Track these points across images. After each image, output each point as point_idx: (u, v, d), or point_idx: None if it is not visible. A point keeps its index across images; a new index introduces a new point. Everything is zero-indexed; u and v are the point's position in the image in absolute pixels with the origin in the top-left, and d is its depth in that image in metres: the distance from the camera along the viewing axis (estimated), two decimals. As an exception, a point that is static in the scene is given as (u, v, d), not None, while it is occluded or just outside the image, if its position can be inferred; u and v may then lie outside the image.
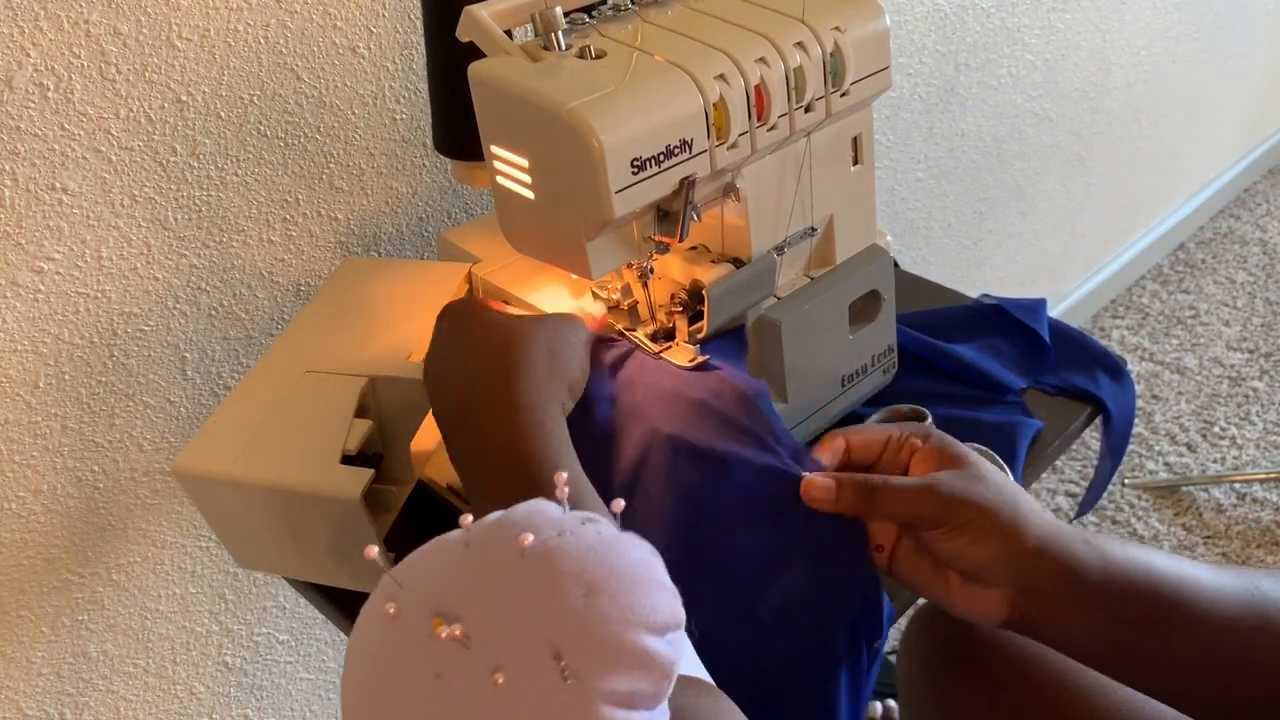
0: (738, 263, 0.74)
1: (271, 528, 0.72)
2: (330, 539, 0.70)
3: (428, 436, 0.76)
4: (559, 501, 0.43)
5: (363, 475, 0.66)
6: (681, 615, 0.42)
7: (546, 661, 0.38)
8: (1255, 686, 0.58)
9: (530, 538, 0.41)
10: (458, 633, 0.39)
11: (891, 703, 1.27)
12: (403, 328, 0.77)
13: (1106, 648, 0.61)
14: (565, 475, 0.44)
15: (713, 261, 0.74)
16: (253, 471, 0.69)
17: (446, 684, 0.39)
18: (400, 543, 0.69)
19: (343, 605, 0.76)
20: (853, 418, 0.85)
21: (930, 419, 0.82)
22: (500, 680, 0.38)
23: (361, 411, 0.72)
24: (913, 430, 0.65)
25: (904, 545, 0.65)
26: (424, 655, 0.40)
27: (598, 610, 0.39)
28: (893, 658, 0.92)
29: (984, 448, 0.78)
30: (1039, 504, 0.63)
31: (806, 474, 0.64)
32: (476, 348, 0.66)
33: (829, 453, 0.66)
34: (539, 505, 0.43)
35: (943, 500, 0.60)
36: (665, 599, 0.41)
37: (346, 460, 0.68)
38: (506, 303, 0.80)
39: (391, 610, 0.41)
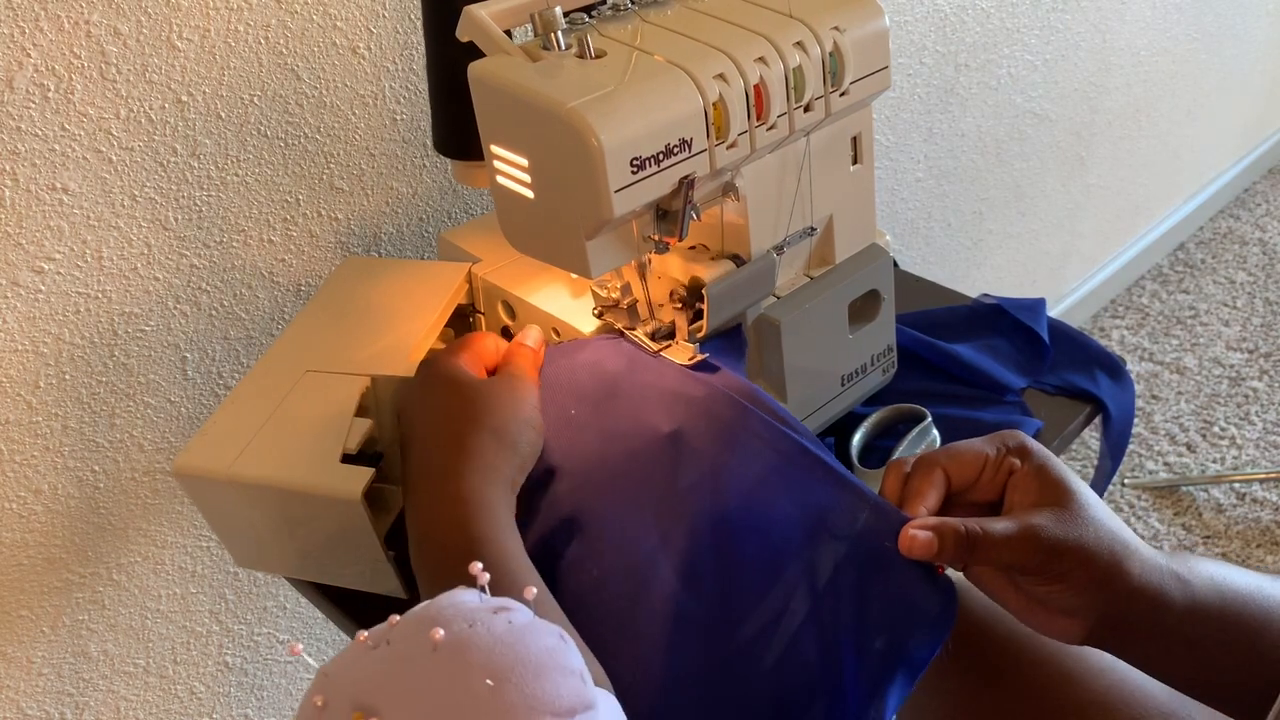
0: (737, 260, 0.74)
1: (271, 527, 0.72)
2: (330, 538, 0.70)
3: None
4: (480, 588, 0.47)
5: (363, 474, 0.66)
6: (589, 697, 0.44)
7: None
8: None
9: (441, 632, 0.44)
10: None
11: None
12: (403, 327, 0.77)
13: (1175, 664, 0.61)
14: (480, 565, 0.47)
15: (712, 259, 0.74)
16: (252, 471, 0.69)
17: None
18: (400, 542, 0.70)
19: (343, 605, 0.76)
20: (852, 417, 0.85)
21: (930, 418, 0.82)
22: None
23: (362, 411, 0.72)
24: (1010, 446, 0.63)
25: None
26: None
27: (503, 699, 0.42)
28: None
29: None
30: (1133, 534, 0.61)
31: (907, 525, 0.62)
32: (433, 418, 0.67)
33: (928, 483, 0.64)
34: (456, 596, 0.47)
35: (1042, 549, 0.59)
36: (571, 684, 0.44)
37: (347, 459, 0.68)
38: (507, 304, 0.81)
39: (319, 702, 0.44)
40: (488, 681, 0.42)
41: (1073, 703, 0.70)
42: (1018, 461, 0.63)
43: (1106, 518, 0.61)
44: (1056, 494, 0.61)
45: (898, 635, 0.62)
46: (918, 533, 0.61)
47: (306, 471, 0.68)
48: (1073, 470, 0.63)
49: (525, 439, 0.66)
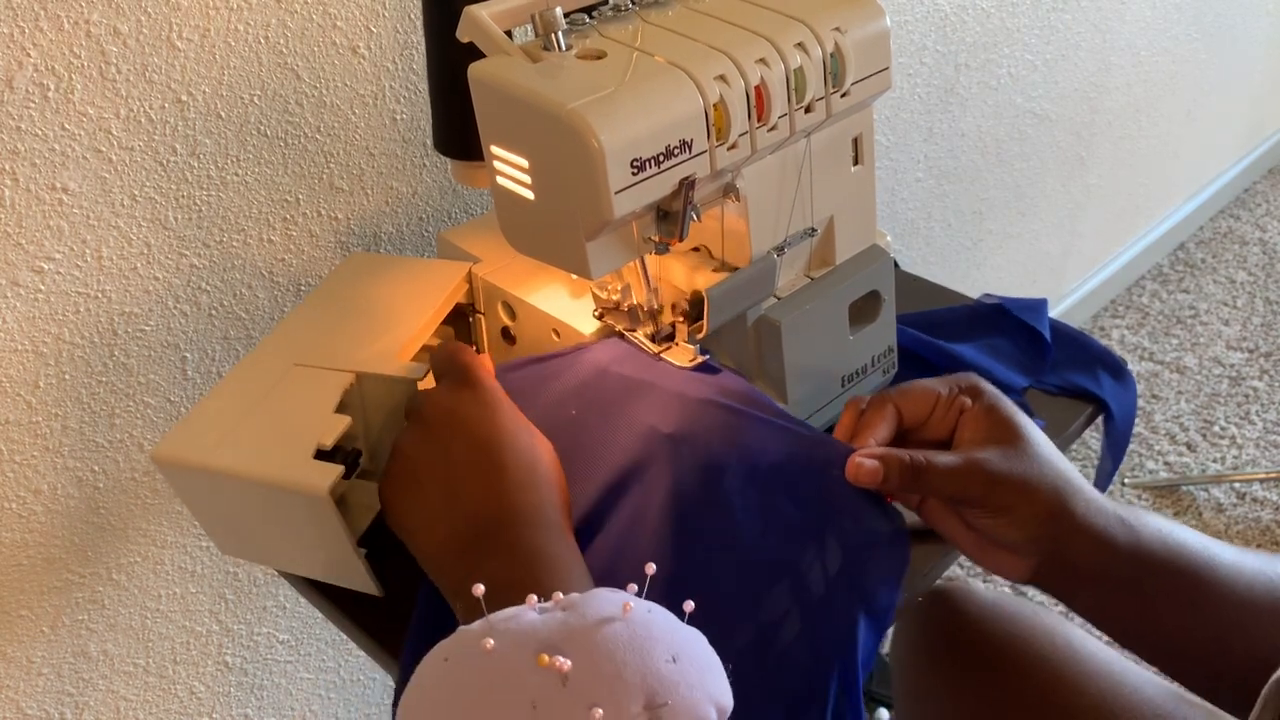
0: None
1: (248, 518, 0.72)
2: (301, 532, 0.70)
3: None
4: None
5: (332, 471, 0.66)
6: (730, 701, 0.46)
7: (639, 709, 0.42)
8: (1261, 667, 0.59)
9: (631, 603, 0.46)
10: (565, 666, 0.43)
11: (885, 714, 1.27)
12: (396, 325, 0.77)
13: (1120, 614, 0.62)
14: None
15: (714, 270, 0.74)
16: (227, 461, 0.69)
17: (541, 714, 0.42)
18: (377, 539, 0.70)
19: (343, 605, 0.76)
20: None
21: None
22: (598, 716, 0.42)
23: (346, 408, 0.72)
24: (962, 386, 0.65)
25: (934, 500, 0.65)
26: (523, 686, 0.43)
27: (684, 676, 0.44)
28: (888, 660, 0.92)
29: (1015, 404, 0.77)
30: (1081, 476, 0.62)
31: (855, 453, 0.63)
32: (458, 479, 0.62)
33: (879, 418, 0.65)
34: (616, 591, 0.48)
35: (986, 481, 0.60)
36: (725, 684, 0.46)
37: (321, 455, 0.68)
38: (507, 304, 0.80)
39: (490, 644, 0.45)
40: (671, 657, 0.44)
41: (1068, 705, 0.70)
42: (969, 400, 0.64)
43: (1054, 458, 0.62)
44: (1005, 431, 0.62)
45: (856, 563, 0.63)
46: (864, 460, 0.63)
47: (278, 465, 0.67)
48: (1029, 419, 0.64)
49: (554, 482, 0.64)
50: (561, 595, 0.47)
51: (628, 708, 0.42)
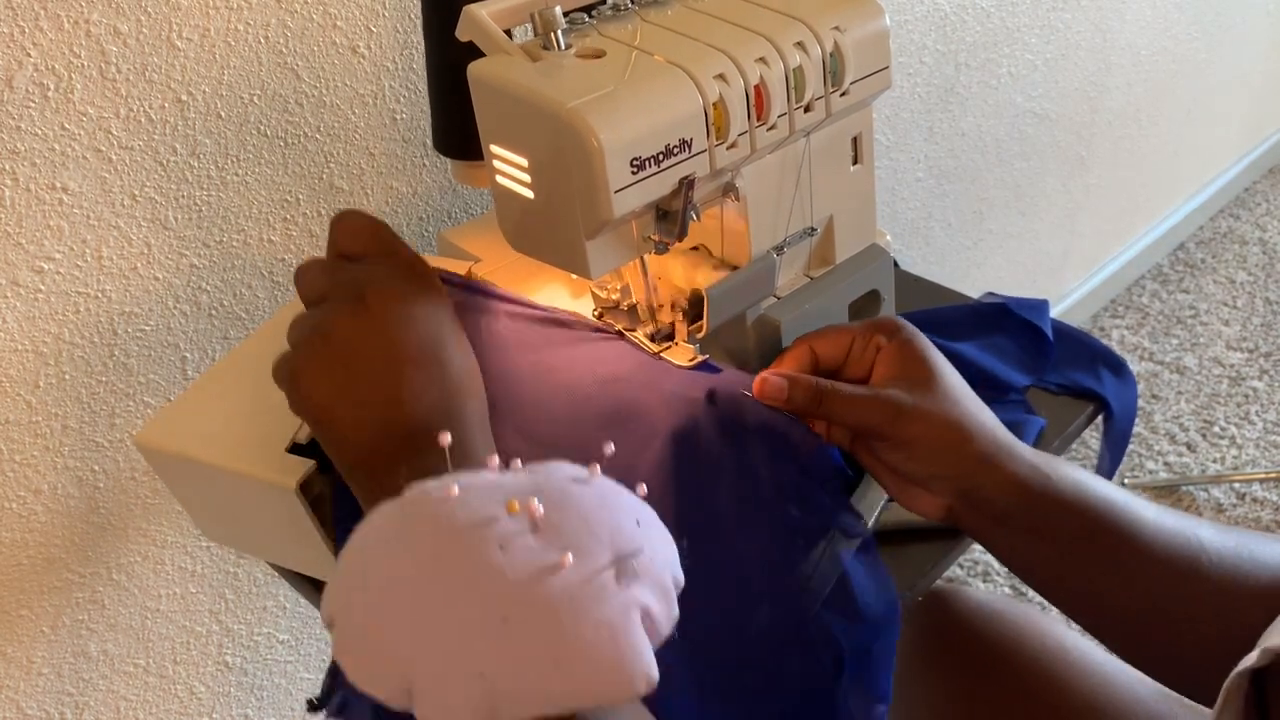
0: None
1: (228, 507, 0.73)
2: (277, 524, 0.71)
3: None
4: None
5: (302, 465, 0.67)
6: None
7: (607, 561, 0.42)
8: (1184, 635, 0.58)
9: (598, 469, 0.46)
10: (539, 510, 0.42)
11: (883, 709, 1.26)
12: None
13: (1037, 561, 0.62)
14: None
15: (713, 269, 0.74)
16: (203, 451, 0.69)
17: (510, 555, 0.41)
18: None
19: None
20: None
21: None
22: (567, 561, 0.41)
23: None
24: (879, 327, 0.65)
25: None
26: (491, 527, 0.42)
27: (649, 540, 0.44)
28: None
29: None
30: (993, 416, 0.63)
31: (763, 371, 0.65)
32: (398, 373, 0.57)
33: (793, 360, 0.66)
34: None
35: (890, 412, 0.61)
36: (678, 561, 0.47)
37: (296, 449, 0.68)
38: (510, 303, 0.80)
39: (454, 490, 0.43)
40: (636, 521, 0.45)
41: (1061, 705, 0.70)
42: (884, 339, 0.65)
43: (965, 398, 0.63)
44: (916, 368, 0.63)
45: (805, 484, 0.64)
46: (769, 375, 0.64)
47: (251, 457, 0.68)
48: (940, 355, 0.65)
49: (458, 365, 0.59)
50: (520, 464, 0.46)
51: (599, 557, 0.42)
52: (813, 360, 0.67)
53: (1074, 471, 0.61)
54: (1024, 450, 0.62)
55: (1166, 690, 0.70)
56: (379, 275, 0.59)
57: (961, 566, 1.77)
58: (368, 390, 0.55)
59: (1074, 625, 0.66)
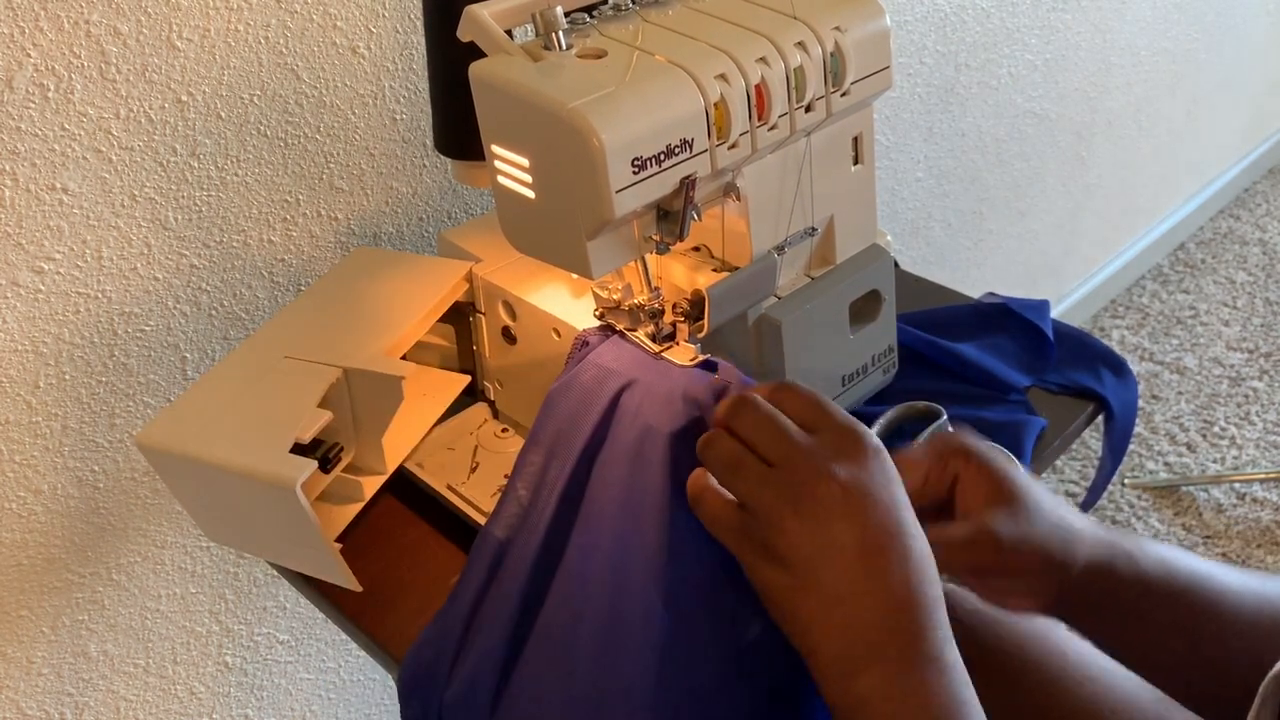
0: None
1: (229, 507, 0.73)
2: (278, 524, 0.71)
3: (403, 430, 0.77)
4: None
5: (304, 465, 0.66)
6: None
7: None
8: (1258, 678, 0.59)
9: None
10: None
11: None
12: (392, 323, 0.77)
13: (1135, 647, 0.63)
14: None
15: (714, 269, 0.74)
16: (204, 450, 0.69)
17: None
18: (370, 534, 0.70)
19: (344, 605, 0.76)
20: (862, 417, 0.84)
21: (945, 416, 0.81)
22: None
23: (330, 402, 0.72)
24: (951, 452, 0.64)
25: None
26: None
27: None
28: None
29: (1001, 449, 0.78)
30: (1079, 515, 0.63)
31: None
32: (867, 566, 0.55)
33: None
34: None
35: (999, 548, 0.60)
36: None
37: (299, 449, 0.68)
38: (508, 304, 0.80)
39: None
40: None
41: (1060, 708, 0.70)
42: (960, 464, 0.64)
43: (1052, 504, 0.62)
44: (1004, 492, 0.62)
45: None
46: None
47: (254, 456, 0.68)
48: (1070, 470, 0.64)
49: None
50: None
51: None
52: None
53: (1158, 549, 0.62)
54: (1117, 545, 0.62)
55: (1165, 695, 0.70)
56: (826, 464, 0.57)
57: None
58: (834, 593, 0.55)
59: (1073, 628, 0.66)
